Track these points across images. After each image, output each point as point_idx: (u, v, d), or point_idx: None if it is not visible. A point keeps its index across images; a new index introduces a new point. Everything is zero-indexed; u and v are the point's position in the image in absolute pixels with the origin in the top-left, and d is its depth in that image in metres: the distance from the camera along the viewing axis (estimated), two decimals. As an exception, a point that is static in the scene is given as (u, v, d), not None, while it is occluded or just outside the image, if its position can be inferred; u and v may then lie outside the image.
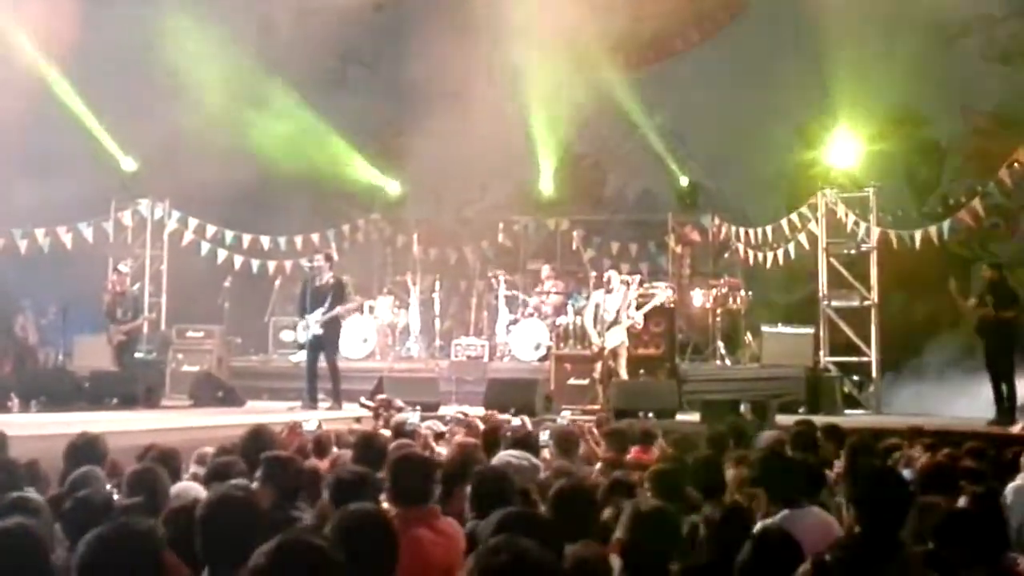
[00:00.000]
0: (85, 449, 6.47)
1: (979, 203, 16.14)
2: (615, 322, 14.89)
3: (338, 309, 14.69)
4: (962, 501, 5.84)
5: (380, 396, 13.13)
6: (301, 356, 15.44)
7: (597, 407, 14.55)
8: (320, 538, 3.16)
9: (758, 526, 5.50)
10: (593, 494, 5.10)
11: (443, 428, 9.60)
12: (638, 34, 18.41)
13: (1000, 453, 8.38)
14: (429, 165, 18.88)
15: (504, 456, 6.48)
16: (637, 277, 16.95)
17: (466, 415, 11.31)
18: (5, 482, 5.35)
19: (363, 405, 13.17)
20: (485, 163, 18.73)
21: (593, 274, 17.53)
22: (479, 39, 17.93)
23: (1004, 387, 13.27)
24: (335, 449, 8.24)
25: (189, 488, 5.75)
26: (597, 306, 15.04)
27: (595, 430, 9.54)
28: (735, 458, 7.10)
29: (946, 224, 16.17)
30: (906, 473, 6.51)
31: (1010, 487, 6.73)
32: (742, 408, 12.13)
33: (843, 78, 17.23)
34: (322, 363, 14.86)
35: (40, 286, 17.95)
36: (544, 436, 8.92)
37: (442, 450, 8.39)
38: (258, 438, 7.17)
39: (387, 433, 8.89)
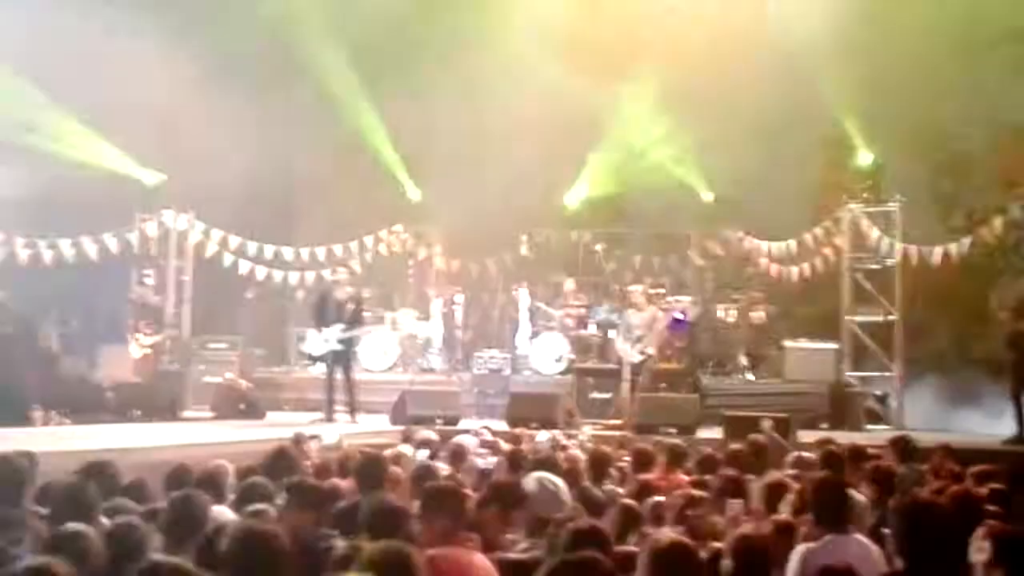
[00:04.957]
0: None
1: (999, 222, 16.00)
2: (640, 338, 14.86)
3: (357, 331, 14.76)
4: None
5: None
6: (322, 368, 15.51)
7: (619, 421, 14.53)
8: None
9: (800, 549, 5.51)
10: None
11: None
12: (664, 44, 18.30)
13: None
14: (452, 174, 18.90)
15: (540, 479, 6.42)
16: (662, 290, 17.01)
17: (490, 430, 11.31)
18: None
19: None
20: (508, 175, 18.74)
21: (616, 287, 17.58)
22: (507, 47, 17.96)
23: None
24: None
25: (222, 514, 5.73)
26: (631, 326, 14.99)
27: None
28: (772, 482, 7.08)
29: (966, 241, 16.04)
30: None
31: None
32: (765, 424, 12.01)
33: (869, 90, 17.17)
34: (339, 375, 14.91)
35: (64, 296, 18.01)
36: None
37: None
38: (281, 459, 7.19)
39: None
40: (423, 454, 9.18)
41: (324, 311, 14.89)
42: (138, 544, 4.84)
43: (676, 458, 8.91)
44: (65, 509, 5.28)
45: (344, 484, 7.38)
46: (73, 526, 4.69)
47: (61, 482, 6.00)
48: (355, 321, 14.88)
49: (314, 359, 15.26)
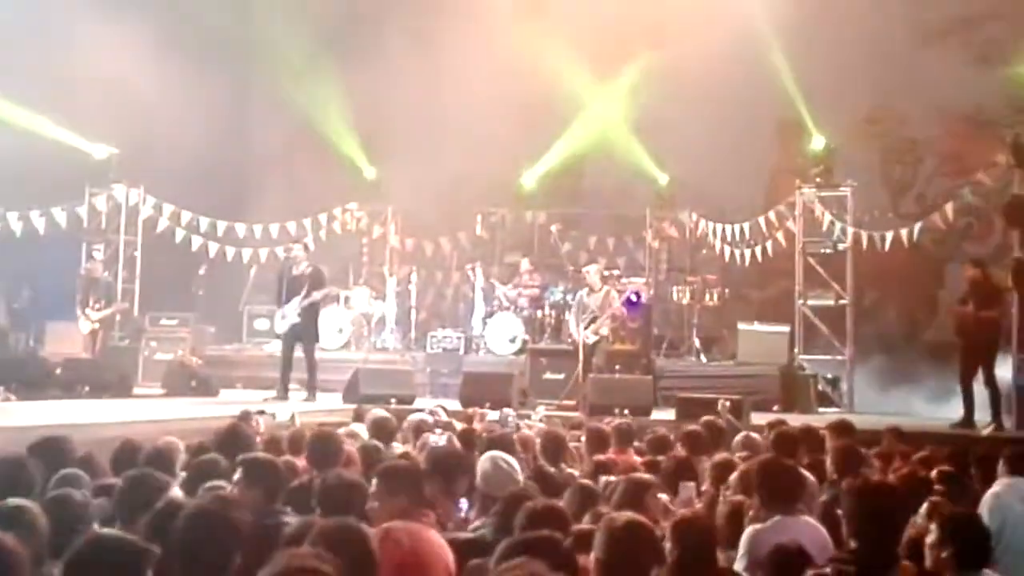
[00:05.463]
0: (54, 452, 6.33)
1: (950, 207, 16.16)
2: (594, 319, 14.90)
3: (314, 295, 14.55)
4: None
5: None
6: (276, 346, 15.38)
7: (572, 402, 14.55)
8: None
9: (748, 531, 5.54)
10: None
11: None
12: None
13: (968, 459, 8.35)
14: (408, 153, 18.83)
15: (493, 458, 6.42)
16: (616, 272, 17.08)
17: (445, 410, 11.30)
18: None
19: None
20: (463, 154, 18.72)
21: (570, 268, 17.62)
22: (464, 28, 17.90)
23: (987, 390, 13.16)
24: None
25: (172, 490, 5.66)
26: (585, 306, 15.03)
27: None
28: (719, 461, 7.12)
29: (917, 227, 16.21)
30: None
31: (990, 493, 6.74)
32: (721, 406, 12.06)
33: (821, 75, 17.28)
34: (298, 353, 14.78)
35: (12, 271, 17.77)
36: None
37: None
38: (233, 436, 7.13)
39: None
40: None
41: (281, 288, 14.77)
42: (80, 517, 4.78)
43: (625, 438, 8.99)
44: (5, 485, 5.19)
45: (297, 461, 7.34)
46: (16, 501, 4.63)
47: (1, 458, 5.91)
48: (316, 290, 14.69)
49: (278, 336, 15.12)
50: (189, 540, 3.86)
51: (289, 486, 6.12)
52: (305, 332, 14.67)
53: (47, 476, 5.75)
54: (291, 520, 5.21)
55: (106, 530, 4.44)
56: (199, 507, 4.11)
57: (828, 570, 4.68)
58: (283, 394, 14.47)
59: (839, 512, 5.27)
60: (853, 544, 4.92)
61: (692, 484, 6.78)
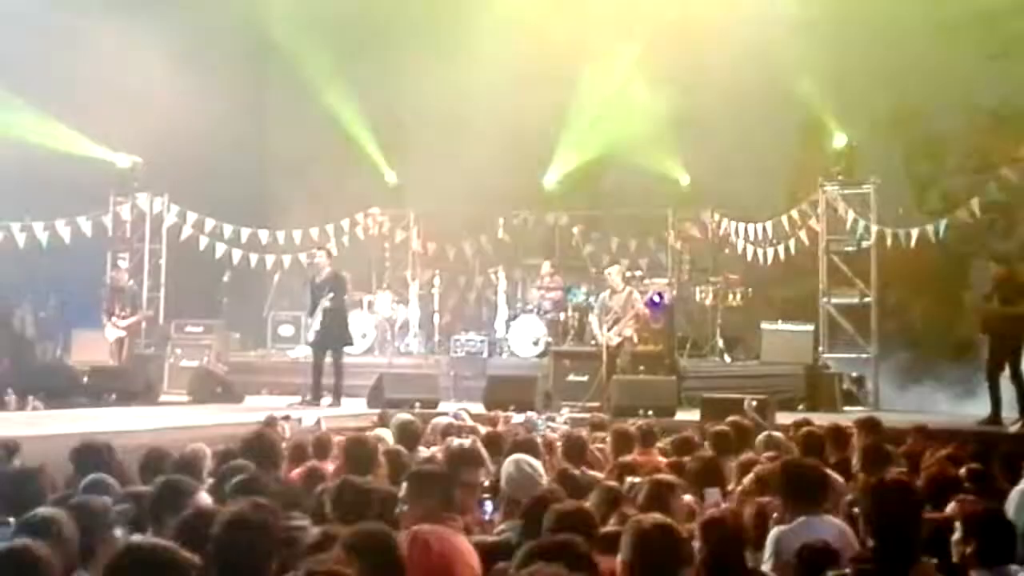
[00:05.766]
0: (91, 456, 6.39)
1: (975, 203, 16.05)
2: (617, 321, 14.89)
3: (323, 302, 14.57)
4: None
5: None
6: (300, 352, 15.41)
7: (596, 404, 14.52)
8: None
9: (774, 532, 5.53)
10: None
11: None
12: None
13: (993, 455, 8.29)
14: (429, 157, 18.88)
15: (518, 461, 6.44)
16: (638, 273, 17.06)
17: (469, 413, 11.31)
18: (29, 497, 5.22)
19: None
20: (484, 157, 18.73)
21: (592, 270, 17.61)
22: (482, 27, 17.92)
23: (1014, 386, 13.06)
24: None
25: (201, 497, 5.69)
26: (607, 308, 15.02)
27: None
28: (745, 461, 7.11)
29: (942, 223, 16.11)
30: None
31: (1016, 490, 6.69)
32: (748, 405, 11.99)
33: (844, 73, 17.21)
34: (330, 359, 14.81)
35: (39, 280, 17.89)
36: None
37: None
38: (259, 443, 7.17)
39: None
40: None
41: (310, 297, 14.88)
42: (98, 523, 4.81)
43: (648, 438, 8.99)
44: (18, 496, 5.21)
45: (323, 466, 7.38)
46: (45, 510, 4.65)
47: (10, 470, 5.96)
48: (339, 295, 14.73)
49: (309, 343, 15.19)
50: (228, 547, 3.87)
51: (316, 490, 6.16)
52: (332, 338, 14.70)
53: (80, 481, 5.80)
54: (310, 528, 5.22)
55: (145, 539, 4.46)
56: (237, 514, 4.10)
57: (848, 571, 4.68)
58: (314, 400, 14.51)
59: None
60: (872, 543, 4.91)
61: (716, 490, 6.77)
